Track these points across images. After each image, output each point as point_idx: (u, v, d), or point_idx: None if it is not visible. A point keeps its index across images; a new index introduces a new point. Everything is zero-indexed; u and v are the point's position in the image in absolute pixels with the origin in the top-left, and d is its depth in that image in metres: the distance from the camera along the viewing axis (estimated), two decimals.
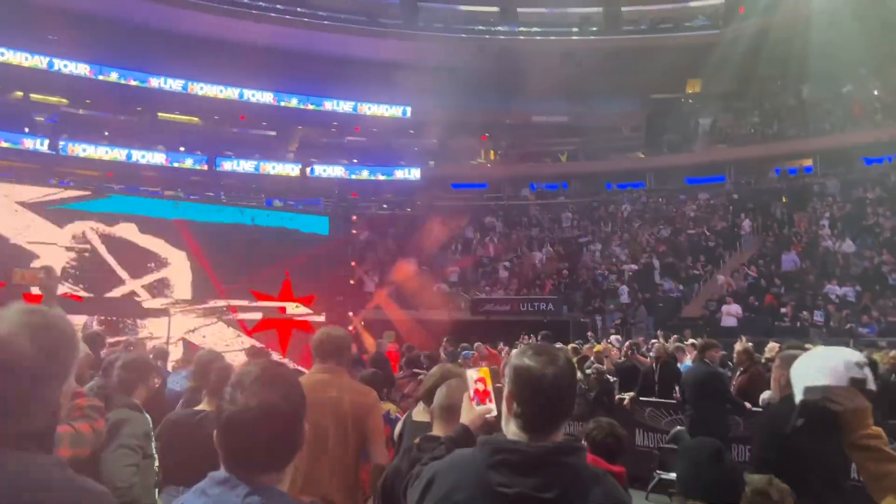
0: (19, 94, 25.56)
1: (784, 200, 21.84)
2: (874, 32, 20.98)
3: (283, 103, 27.33)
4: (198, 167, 25.97)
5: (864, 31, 21.08)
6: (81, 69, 24.14)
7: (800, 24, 22.73)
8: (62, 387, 1.44)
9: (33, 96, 25.54)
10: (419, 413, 3.44)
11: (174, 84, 25.80)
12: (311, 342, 3.62)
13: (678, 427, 7.37)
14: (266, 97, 27.08)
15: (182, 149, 26.12)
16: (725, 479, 2.52)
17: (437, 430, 2.70)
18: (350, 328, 18.78)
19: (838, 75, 24.09)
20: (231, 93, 26.55)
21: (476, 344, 11.72)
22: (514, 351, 1.85)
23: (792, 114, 24.86)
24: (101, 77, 24.54)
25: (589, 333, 14.85)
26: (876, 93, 22.94)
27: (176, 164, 25.60)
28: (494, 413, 2.17)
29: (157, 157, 25.30)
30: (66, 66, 23.89)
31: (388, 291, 19.95)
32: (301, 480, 3.15)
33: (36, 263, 14.98)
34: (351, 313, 19.32)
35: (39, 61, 23.46)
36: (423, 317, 18.56)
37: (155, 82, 25.51)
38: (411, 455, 2.43)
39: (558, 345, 9.99)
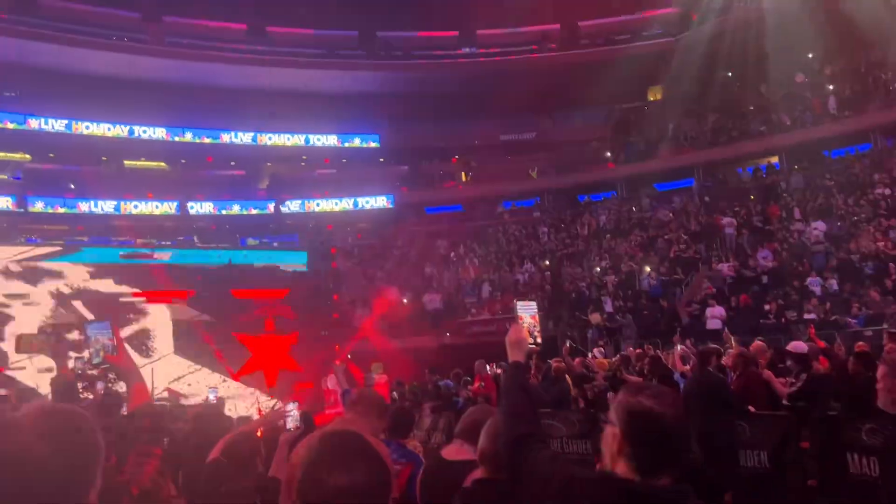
0: None
1: (752, 198, 22.16)
2: (822, 25, 21.57)
3: (230, 140, 27.24)
4: (169, 213, 25.69)
5: (813, 25, 21.68)
6: (51, 124, 24.00)
7: (752, 24, 23.32)
8: (89, 497, 1.30)
9: None
10: (452, 452, 3.32)
11: (137, 130, 25.74)
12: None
13: None
14: (231, 137, 27.04)
15: (150, 195, 25.85)
16: None
17: (484, 474, 2.60)
18: (336, 362, 18.57)
19: (793, 71, 24.68)
20: (192, 136, 26.53)
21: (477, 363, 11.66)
22: (622, 392, 1.79)
23: (753, 112, 25.32)
24: (70, 130, 24.41)
25: (567, 346, 14.37)
26: (831, 87, 23.47)
27: (146, 212, 25.30)
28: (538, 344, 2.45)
29: (126, 206, 25.02)
30: (37, 121, 23.76)
31: (372, 322, 19.80)
32: None
33: (13, 327, 14.66)
34: (337, 347, 19.13)
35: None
36: (410, 345, 18.45)
37: (113, 130, 25.43)
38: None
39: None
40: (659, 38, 27.38)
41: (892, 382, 2.78)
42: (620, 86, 25.96)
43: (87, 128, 24.93)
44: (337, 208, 27.33)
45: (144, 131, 25.85)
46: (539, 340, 2.37)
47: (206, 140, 26.86)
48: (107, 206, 24.50)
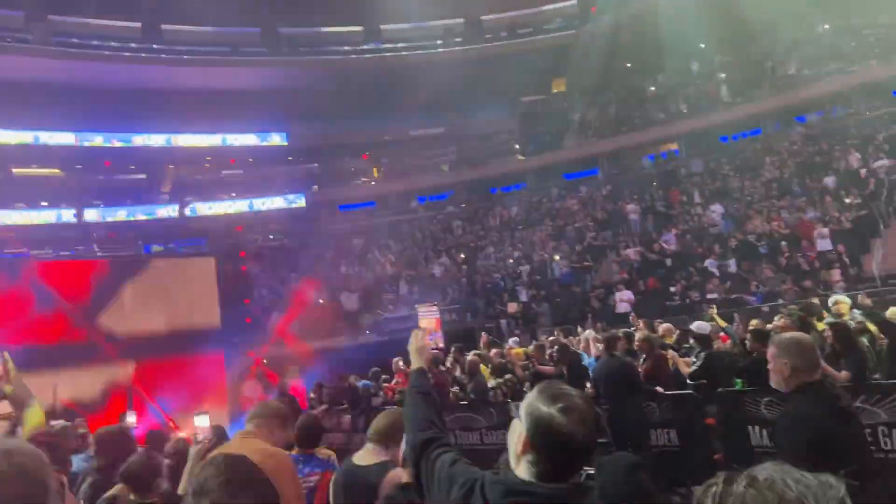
0: None
1: (655, 184, 22.98)
2: (715, 17, 22.58)
3: (145, 142, 26.34)
4: (65, 221, 24.37)
5: (705, 16, 22.67)
6: None
7: (649, 16, 24.17)
8: None
9: None
10: (364, 456, 3.29)
11: (43, 136, 24.50)
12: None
13: None
14: (132, 139, 26.02)
15: (44, 203, 24.48)
16: (643, 492, 2.61)
17: (408, 477, 2.62)
18: (252, 368, 18.15)
19: (689, 61, 25.77)
20: (97, 139, 25.46)
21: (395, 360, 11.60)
22: (535, 394, 1.76)
23: (652, 102, 26.26)
24: None
25: (485, 337, 14.52)
26: (723, 76, 24.59)
27: (20, 221, 23.87)
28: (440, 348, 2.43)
29: (15, 217, 23.59)
30: None
31: (287, 325, 19.42)
32: None
33: None
34: (251, 354, 18.66)
35: None
36: (328, 346, 18.21)
37: (17, 136, 24.23)
38: None
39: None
40: (560, 31, 27.99)
41: (780, 363, 2.91)
42: (525, 78, 26.43)
43: None
44: (241, 209, 26.64)
45: (51, 137, 24.70)
46: (441, 345, 2.39)
47: (118, 143, 25.94)
48: None
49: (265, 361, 18.46)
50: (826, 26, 22.86)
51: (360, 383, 10.91)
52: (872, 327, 7.21)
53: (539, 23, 28.55)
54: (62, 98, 23.45)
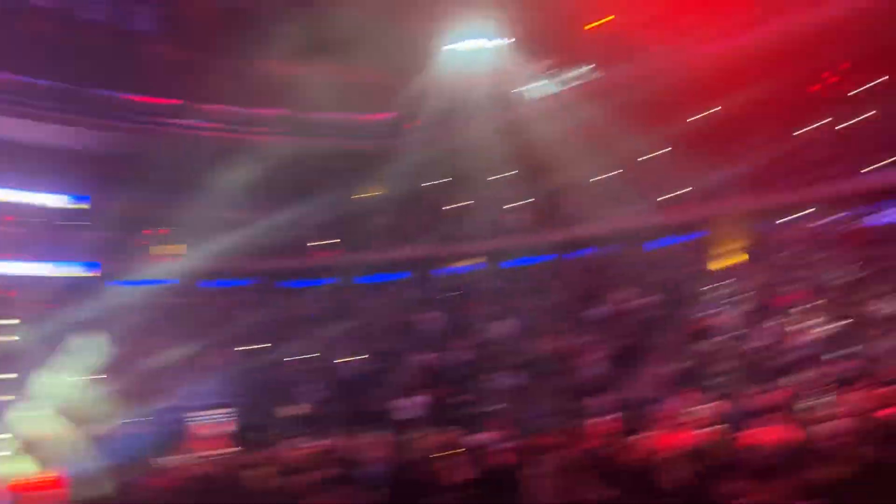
0: None
1: (457, 294, 24.16)
2: (517, 155, 24.89)
3: None
4: None
5: (509, 154, 24.93)
6: None
7: (459, 141, 26.07)
8: None
9: None
10: None
11: None
12: None
13: None
14: None
15: None
16: None
17: None
18: None
19: (490, 186, 27.71)
20: None
21: None
22: None
23: (457, 218, 27.79)
24: None
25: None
26: (518, 205, 26.73)
27: None
28: None
29: None
30: None
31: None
32: None
33: None
34: None
35: None
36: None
37: None
38: None
39: None
40: (378, 140, 29.03)
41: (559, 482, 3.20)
42: (341, 178, 27.07)
43: None
44: (18, 272, 24.05)
45: None
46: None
47: None
48: None
49: None
50: (603, 175, 25.62)
51: None
52: None
53: (361, 129, 29.67)
54: None
